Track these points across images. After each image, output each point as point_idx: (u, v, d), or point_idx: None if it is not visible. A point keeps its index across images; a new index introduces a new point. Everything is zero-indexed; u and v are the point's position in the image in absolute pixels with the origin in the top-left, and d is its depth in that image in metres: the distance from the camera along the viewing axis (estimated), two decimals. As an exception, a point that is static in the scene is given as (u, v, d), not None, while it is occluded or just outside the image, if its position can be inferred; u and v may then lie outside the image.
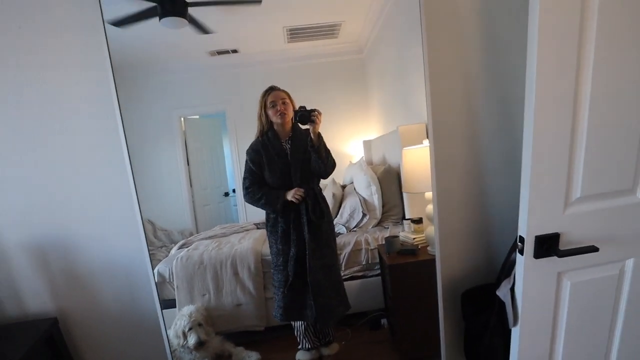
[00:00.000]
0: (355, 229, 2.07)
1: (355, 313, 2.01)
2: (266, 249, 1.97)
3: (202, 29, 1.81)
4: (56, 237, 1.52)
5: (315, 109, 1.71)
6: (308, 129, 1.73)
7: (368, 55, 2.14)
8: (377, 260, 1.98)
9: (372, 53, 2.12)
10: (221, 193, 2.31)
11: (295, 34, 2.00)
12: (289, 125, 1.77)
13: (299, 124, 1.75)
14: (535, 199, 1.15)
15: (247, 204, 1.89)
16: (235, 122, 2.20)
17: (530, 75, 1.08)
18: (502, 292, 1.26)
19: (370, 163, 2.19)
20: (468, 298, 1.52)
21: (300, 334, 1.90)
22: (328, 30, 2.03)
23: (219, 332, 1.93)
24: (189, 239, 2.13)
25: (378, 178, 2.07)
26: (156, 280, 1.58)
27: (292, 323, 1.91)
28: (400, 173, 1.94)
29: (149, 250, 1.51)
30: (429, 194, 1.58)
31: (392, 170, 2.05)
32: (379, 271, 2.00)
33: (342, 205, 2.13)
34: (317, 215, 1.78)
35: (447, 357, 1.67)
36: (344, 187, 2.19)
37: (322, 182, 1.89)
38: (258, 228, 2.14)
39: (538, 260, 1.19)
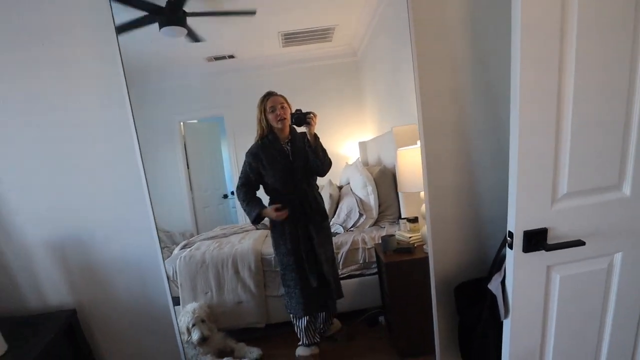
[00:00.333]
0: (352, 228, 2.09)
1: (354, 311, 2.04)
2: (266, 249, 2.02)
3: (194, 37, 1.84)
4: (75, 235, 1.62)
5: (310, 112, 1.77)
6: (305, 131, 1.79)
7: (362, 58, 2.15)
8: (374, 259, 2.00)
9: (366, 55, 2.13)
10: (220, 195, 2.33)
11: (290, 38, 2.01)
12: (287, 128, 1.83)
13: (295, 126, 1.81)
14: (523, 195, 1.18)
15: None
16: (233, 125, 2.22)
17: (515, 74, 1.10)
18: (494, 286, 1.29)
19: (366, 164, 2.21)
20: (461, 292, 1.55)
21: (301, 330, 1.93)
22: (322, 34, 2.04)
23: (221, 328, 1.97)
24: (191, 239, 2.15)
25: (374, 178, 2.09)
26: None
27: (293, 320, 1.94)
28: (395, 173, 1.97)
29: (161, 248, 1.60)
30: (423, 194, 1.61)
31: (387, 171, 2.07)
32: (376, 270, 2.02)
33: (339, 206, 2.15)
34: (321, 213, 1.91)
35: (442, 350, 1.71)
36: (340, 187, 2.21)
37: (320, 183, 1.95)
38: (257, 229, 2.16)
39: (527, 254, 1.22)
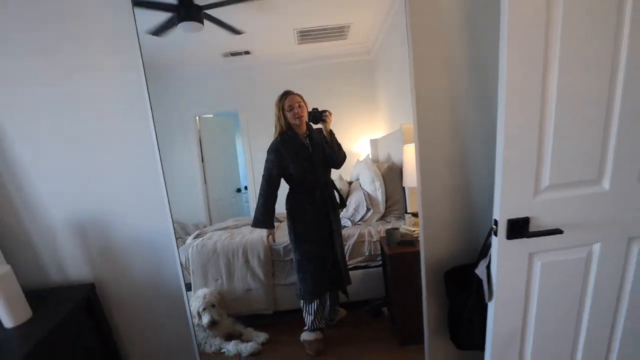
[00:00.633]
0: (359, 222, 2.32)
1: (359, 301, 2.29)
2: (276, 239, 2.25)
3: (233, 30, 2.02)
4: (95, 216, 1.87)
5: (326, 110, 2.06)
6: (320, 127, 2.08)
7: (376, 56, 2.32)
8: (379, 252, 2.24)
9: (379, 54, 2.29)
10: (234, 189, 2.53)
11: (306, 35, 2.16)
12: (305, 125, 2.10)
13: (312, 123, 2.09)
14: (508, 186, 1.39)
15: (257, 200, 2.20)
16: (247, 121, 2.40)
17: (502, 72, 1.30)
18: (480, 270, 1.52)
19: (376, 161, 2.41)
20: (450, 277, 1.77)
21: (310, 315, 2.19)
22: (337, 32, 2.19)
23: (231, 314, 2.25)
24: (204, 229, 2.40)
25: (382, 174, 2.31)
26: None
27: (303, 305, 2.20)
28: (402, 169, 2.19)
29: (174, 230, 1.85)
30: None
31: (395, 167, 2.28)
32: (380, 262, 2.26)
33: (348, 200, 2.37)
34: (338, 202, 2.20)
35: (432, 333, 1.97)
36: (350, 183, 2.43)
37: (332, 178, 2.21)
38: None
39: (510, 241, 1.43)
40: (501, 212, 1.42)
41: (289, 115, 2.06)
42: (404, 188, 2.26)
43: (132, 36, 1.64)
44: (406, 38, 1.72)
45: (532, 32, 1.27)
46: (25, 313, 1.62)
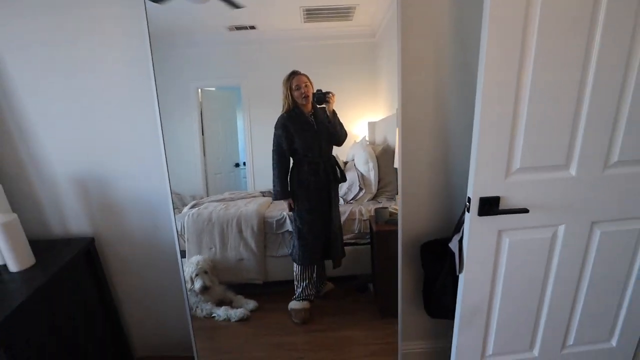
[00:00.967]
0: (351, 201, 2.59)
1: (347, 275, 2.58)
2: (269, 213, 2.52)
3: (232, 3, 2.16)
4: (96, 172, 2.16)
5: (329, 92, 2.33)
6: (324, 107, 2.35)
7: (379, 40, 2.46)
8: (368, 230, 2.51)
9: (383, 37, 2.42)
10: (232, 163, 2.74)
11: (312, 14, 2.29)
12: (310, 103, 2.37)
13: (316, 104, 2.36)
14: (482, 167, 1.63)
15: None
16: (249, 96, 2.58)
17: (481, 65, 1.51)
18: (453, 244, 1.79)
19: (373, 143, 2.63)
20: (427, 248, 2.05)
21: (304, 281, 2.50)
22: (343, 12, 2.32)
23: (222, 282, 2.54)
24: (200, 200, 2.64)
25: (377, 156, 2.56)
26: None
27: (297, 270, 2.50)
28: (396, 152, 2.43)
29: (171, 191, 2.10)
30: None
31: (389, 150, 2.51)
32: (369, 240, 2.53)
33: (343, 179, 2.64)
34: (340, 175, 2.50)
35: (407, 302, 2.32)
36: (345, 163, 2.65)
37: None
38: (264, 196, 2.66)
39: (482, 217, 1.69)
40: (474, 190, 1.68)
41: (295, 94, 2.32)
42: (396, 170, 2.49)
43: (139, 4, 1.83)
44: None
45: (510, 29, 1.47)
46: (29, 259, 1.91)
